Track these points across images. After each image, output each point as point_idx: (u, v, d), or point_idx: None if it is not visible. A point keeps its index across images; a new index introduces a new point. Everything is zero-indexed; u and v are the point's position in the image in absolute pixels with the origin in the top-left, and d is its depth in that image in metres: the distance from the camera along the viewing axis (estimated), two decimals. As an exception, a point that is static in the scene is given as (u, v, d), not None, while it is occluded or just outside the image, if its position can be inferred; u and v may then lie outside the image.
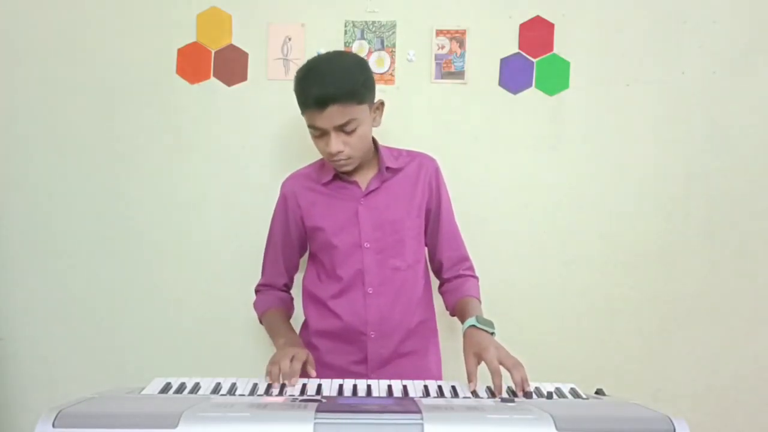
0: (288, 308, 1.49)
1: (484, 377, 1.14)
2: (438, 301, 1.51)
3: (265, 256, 1.50)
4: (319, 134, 1.29)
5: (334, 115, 1.24)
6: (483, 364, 1.13)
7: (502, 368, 1.10)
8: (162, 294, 1.74)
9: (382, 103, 1.37)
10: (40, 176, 1.73)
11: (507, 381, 1.16)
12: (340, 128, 1.27)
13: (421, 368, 1.41)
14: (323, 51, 1.65)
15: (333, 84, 1.23)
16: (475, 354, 1.15)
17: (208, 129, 1.71)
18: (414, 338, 1.41)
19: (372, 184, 1.40)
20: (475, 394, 1.09)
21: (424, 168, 1.44)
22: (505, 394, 1.06)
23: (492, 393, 1.09)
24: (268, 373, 1.15)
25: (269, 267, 1.50)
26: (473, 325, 1.22)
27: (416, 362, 1.41)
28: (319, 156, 1.45)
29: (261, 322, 1.47)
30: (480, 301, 1.39)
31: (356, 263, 1.37)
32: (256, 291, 1.51)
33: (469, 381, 1.12)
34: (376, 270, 1.37)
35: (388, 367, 1.38)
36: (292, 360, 1.16)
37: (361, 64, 1.32)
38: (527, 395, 1.06)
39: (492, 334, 1.20)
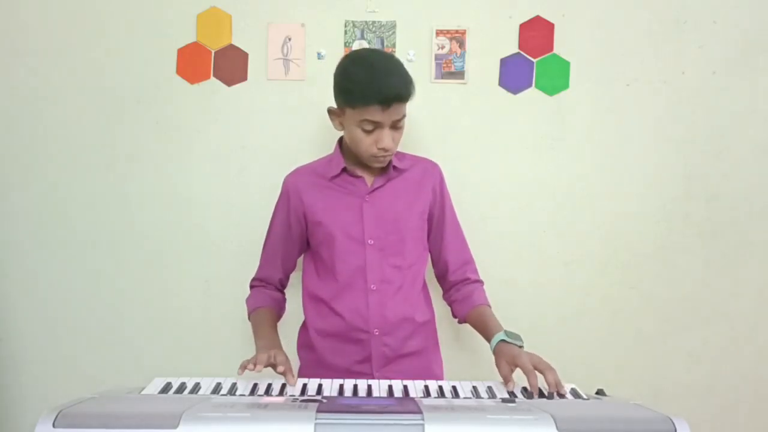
0: (279, 309, 1.48)
1: (486, 378, 1.14)
2: (437, 306, 1.51)
3: (263, 251, 1.50)
4: (372, 129, 1.30)
5: (394, 111, 1.28)
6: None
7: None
8: (162, 294, 1.74)
9: None
10: (40, 176, 1.73)
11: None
12: (394, 124, 1.31)
13: (425, 369, 1.42)
14: (323, 51, 1.66)
15: (399, 82, 1.28)
16: (508, 362, 1.18)
17: (208, 129, 1.71)
18: (416, 338, 1.41)
19: (377, 182, 1.41)
20: (512, 394, 1.10)
21: (428, 172, 1.46)
22: (520, 394, 1.07)
23: (493, 394, 1.09)
24: (241, 367, 1.13)
25: (266, 261, 1.49)
26: (503, 340, 1.25)
27: (419, 363, 1.41)
28: (322, 153, 1.46)
29: (249, 318, 1.46)
30: (491, 308, 1.42)
31: (358, 259, 1.38)
32: (251, 286, 1.50)
33: (506, 383, 1.14)
34: (378, 267, 1.38)
35: (391, 366, 1.38)
36: (270, 358, 1.15)
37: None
38: (559, 394, 1.08)
39: (521, 347, 1.23)
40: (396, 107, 1.28)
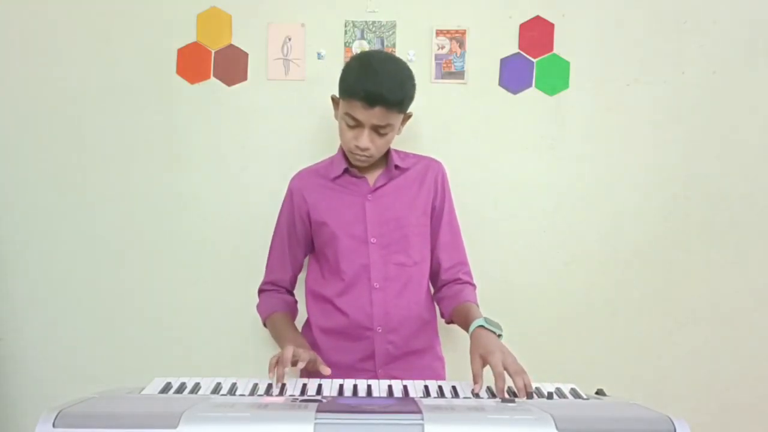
0: (292, 311, 1.49)
1: (486, 379, 1.14)
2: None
3: (271, 252, 1.51)
4: (354, 125, 1.32)
5: (377, 115, 1.28)
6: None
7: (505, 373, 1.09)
8: (162, 294, 1.74)
9: (410, 116, 1.40)
10: (39, 176, 1.72)
11: (509, 382, 1.16)
12: (376, 128, 1.31)
13: (428, 367, 1.42)
14: (323, 51, 1.66)
15: (390, 89, 1.27)
16: (481, 356, 1.14)
17: (208, 129, 1.71)
18: (420, 337, 1.42)
19: (379, 181, 1.42)
20: (477, 395, 1.09)
21: (431, 169, 1.47)
22: (505, 395, 1.06)
23: (492, 393, 1.09)
24: (271, 368, 1.14)
25: (275, 262, 1.50)
26: (481, 326, 1.21)
27: (423, 361, 1.42)
28: (323, 153, 1.46)
29: (265, 325, 1.46)
30: (479, 307, 1.38)
31: (362, 258, 1.38)
32: (260, 291, 1.51)
33: (475, 383, 1.11)
34: (381, 265, 1.38)
35: (395, 364, 1.38)
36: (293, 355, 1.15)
37: (413, 78, 1.36)
38: (528, 396, 1.06)
39: (499, 336, 1.20)
40: (380, 112, 1.27)
